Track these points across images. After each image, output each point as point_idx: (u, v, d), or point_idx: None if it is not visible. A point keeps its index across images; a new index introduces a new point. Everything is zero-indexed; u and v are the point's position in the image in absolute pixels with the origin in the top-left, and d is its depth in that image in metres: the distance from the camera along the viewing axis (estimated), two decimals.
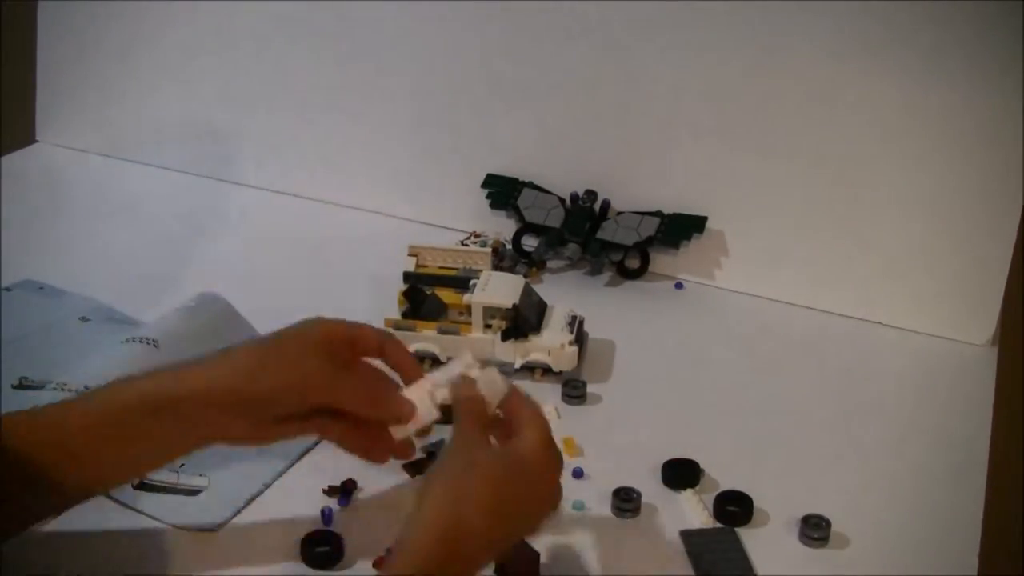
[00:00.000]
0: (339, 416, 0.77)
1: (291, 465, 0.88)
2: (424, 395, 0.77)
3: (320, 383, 0.75)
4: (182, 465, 0.86)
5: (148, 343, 0.94)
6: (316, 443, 0.90)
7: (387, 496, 0.86)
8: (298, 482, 0.87)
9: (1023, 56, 1.01)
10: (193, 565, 0.78)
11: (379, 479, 0.87)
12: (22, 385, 0.93)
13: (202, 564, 0.78)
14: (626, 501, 0.83)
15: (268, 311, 0.99)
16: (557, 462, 0.72)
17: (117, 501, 0.83)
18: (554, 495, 0.72)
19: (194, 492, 0.85)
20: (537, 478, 0.70)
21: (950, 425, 0.96)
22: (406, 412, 0.77)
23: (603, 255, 1.18)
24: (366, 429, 0.78)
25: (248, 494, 0.85)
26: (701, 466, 0.88)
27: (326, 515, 0.82)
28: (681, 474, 0.87)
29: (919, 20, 1.04)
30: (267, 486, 0.86)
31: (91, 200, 1.34)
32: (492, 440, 0.73)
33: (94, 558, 0.78)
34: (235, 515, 0.83)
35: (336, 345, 0.77)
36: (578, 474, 0.88)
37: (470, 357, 0.78)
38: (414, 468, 0.88)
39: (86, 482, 0.73)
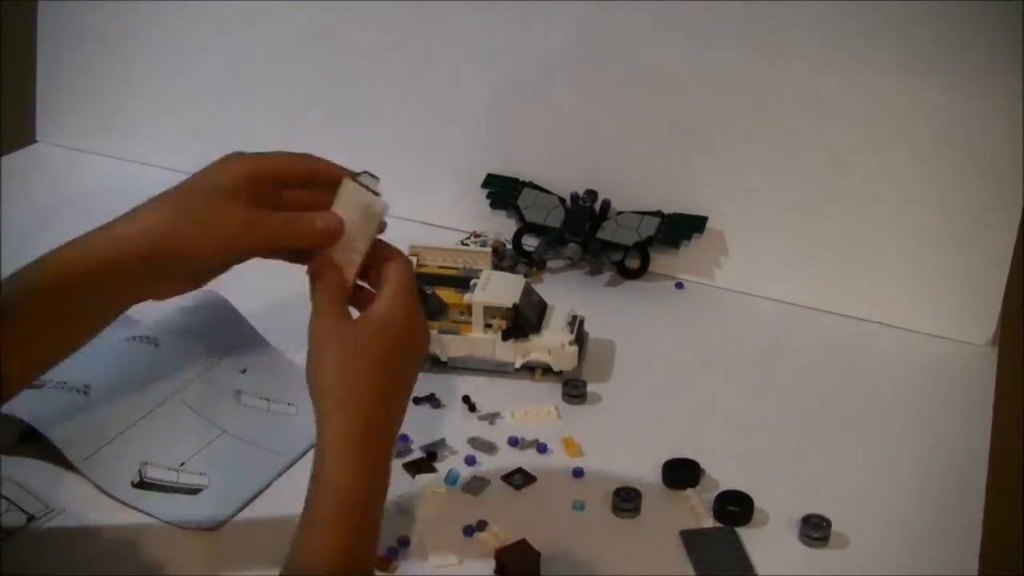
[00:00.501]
0: (270, 255, 0.75)
1: (292, 464, 0.88)
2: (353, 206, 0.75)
3: (238, 231, 0.71)
4: (183, 464, 0.86)
5: (149, 342, 0.95)
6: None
7: (387, 496, 0.85)
8: (299, 482, 0.86)
9: (1023, 56, 1.01)
10: (194, 565, 0.78)
11: None
12: None
13: (203, 564, 0.79)
14: (626, 501, 0.83)
15: (268, 311, 1.00)
16: (415, 310, 0.72)
17: (117, 500, 0.83)
18: (423, 341, 0.74)
19: (194, 491, 0.85)
20: (403, 334, 0.71)
21: (950, 425, 0.96)
22: (332, 226, 0.74)
23: (603, 255, 1.18)
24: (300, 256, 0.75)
25: (248, 493, 0.85)
26: (701, 466, 0.88)
27: None
28: (681, 474, 0.87)
29: (920, 20, 1.04)
30: (267, 485, 0.86)
31: (91, 200, 1.34)
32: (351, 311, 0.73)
33: (94, 558, 0.78)
34: (235, 514, 0.83)
35: (256, 183, 0.72)
36: (578, 473, 0.88)
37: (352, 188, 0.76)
38: (415, 468, 0.88)
39: (25, 363, 0.71)
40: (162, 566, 0.78)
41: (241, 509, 0.84)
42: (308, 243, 0.74)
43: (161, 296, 0.74)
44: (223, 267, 0.73)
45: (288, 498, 0.84)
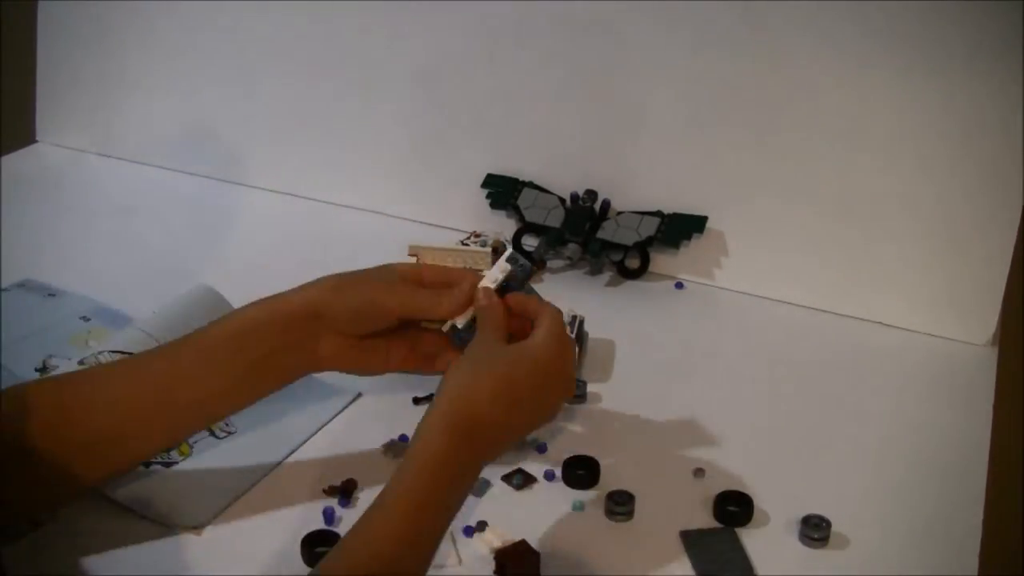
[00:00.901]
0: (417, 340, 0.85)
1: (280, 463, 0.88)
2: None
3: (397, 292, 0.82)
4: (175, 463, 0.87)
5: (147, 336, 0.95)
6: (307, 439, 0.91)
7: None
8: (299, 482, 0.87)
9: (1023, 56, 1.01)
10: (193, 565, 0.78)
11: (380, 479, 0.86)
12: None
13: (202, 564, 0.78)
14: (619, 504, 0.83)
15: None
16: (565, 352, 0.79)
17: (106, 498, 0.83)
18: (565, 382, 0.80)
19: (167, 464, 0.86)
20: (545, 367, 0.76)
21: (950, 425, 0.96)
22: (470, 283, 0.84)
23: (603, 255, 1.18)
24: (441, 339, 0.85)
25: (231, 496, 0.85)
26: (702, 466, 0.88)
27: (327, 515, 0.82)
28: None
29: (919, 20, 1.04)
30: (252, 486, 0.86)
31: (91, 200, 1.34)
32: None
33: (94, 558, 0.78)
34: (219, 513, 0.83)
35: (411, 276, 0.84)
36: None
37: (503, 261, 0.86)
38: None
39: (187, 420, 0.81)
40: (161, 566, 0.78)
41: (226, 508, 0.84)
42: (447, 312, 0.83)
43: (322, 364, 0.83)
44: (378, 323, 0.83)
45: (288, 499, 0.85)
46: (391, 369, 0.86)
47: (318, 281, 0.83)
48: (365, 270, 0.84)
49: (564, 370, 0.79)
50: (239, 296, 1.04)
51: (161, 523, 0.81)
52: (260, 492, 0.86)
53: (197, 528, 0.81)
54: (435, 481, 0.71)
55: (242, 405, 0.82)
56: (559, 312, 0.81)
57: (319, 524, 0.81)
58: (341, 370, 0.85)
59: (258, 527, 0.82)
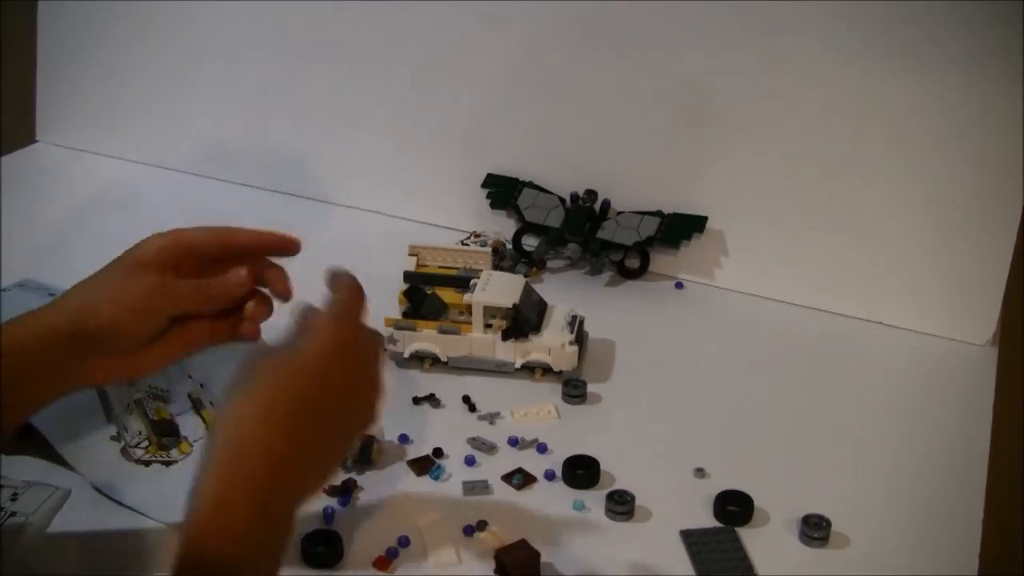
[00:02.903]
0: (198, 320, 0.76)
1: None
2: None
3: (149, 295, 0.73)
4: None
5: None
6: None
7: (387, 496, 0.85)
8: None
9: (1023, 56, 1.01)
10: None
11: (380, 479, 0.87)
12: None
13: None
14: (620, 504, 0.83)
15: None
16: (348, 350, 0.66)
17: (104, 494, 0.83)
18: (361, 383, 0.66)
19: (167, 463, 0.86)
20: (324, 370, 0.64)
21: (950, 425, 0.96)
22: (240, 277, 0.76)
23: (603, 255, 1.18)
24: (228, 317, 0.77)
25: None
26: (702, 466, 0.88)
27: (327, 514, 0.82)
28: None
29: (920, 20, 1.04)
30: None
31: (91, 200, 1.34)
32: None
33: (95, 558, 0.78)
34: None
35: (173, 256, 0.75)
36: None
37: None
38: (417, 467, 0.88)
39: None
40: (161, 566, 0.78)
41: None
42: (218, 303, 0.76)
43: (97, 380, 0.76)
44: (146, 335, 0.74)
45: None
46: (192, 351, 0.77)
47: (77, 290, 0.75)
48: (109, 269, 0.75)
49: (355, 364, 0.66)
50: None
51: (159, 521, 0.81)
52: None
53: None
54: (228, 545, 0.58)
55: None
56: (341, 298, 0.68)
57: (319, 524, 0.81)
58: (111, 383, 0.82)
59: None
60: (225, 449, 0.61)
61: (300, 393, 0.63)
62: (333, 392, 0.64)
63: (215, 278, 0.76)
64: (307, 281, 1.17)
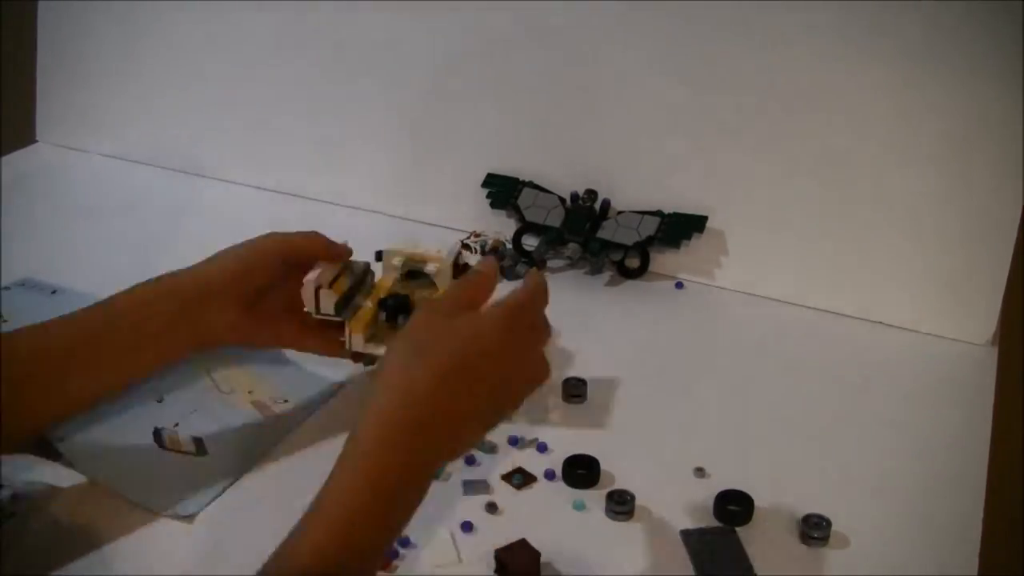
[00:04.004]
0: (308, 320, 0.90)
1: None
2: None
3: (272, 237, 0.91)
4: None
5: None
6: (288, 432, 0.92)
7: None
8: (300, 481, 0.87)
9: (1023, 56, 1.01)
10: (194, 563, 0.78)
11: None
12: None
13: (204, 562, 0.78)
14: (620, 504, 0.83)
15: None
16: (525, 328, 0.71)
17: (103, 488, 0.83)
18: (527, 363, 0.71)
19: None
20: (500, 343, 0.69)
21: (950, 425, 0.96)
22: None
23: (603, 254, 1.18)
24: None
25: (219, 488, 0.85)
26: (702, 465, 0.88)
27: None
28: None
29: (920, 19, 1.04)
30: (234, 481, 0.86)
31: (91, 200, 1.34)
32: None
33: (94, 556, 0.78)
34: (207, 505, 0.83)
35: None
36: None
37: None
38: None
39: (92, 384, 0.83)
40: (162, 564, 0.78)
41: (213, 500, 0.84)
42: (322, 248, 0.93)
43: (217, 339, 0.89)
44: (261, 273, 0.91)
45: (290, 498, 0.85)
46: (284, 344, 0.95)
47: (209, 259, 0.90)
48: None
49: (523, 346, 0.71)
50: None
51: (158, 511, 0.82)
52: (261, 486, 0.86)
53: (187, 517, 0.82)
54: (373, 489, 0.64)
55: (143, 373, 0.87)
56: (527, 289, 0.73)
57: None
58: (234, 343, 0.91)
59: (233, 520, 0.82)
60: (391, 392, 0.66)
61: (467, 361, 0.67)
62: (497, 368, 0.69)
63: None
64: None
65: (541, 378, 0.72)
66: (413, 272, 0.99)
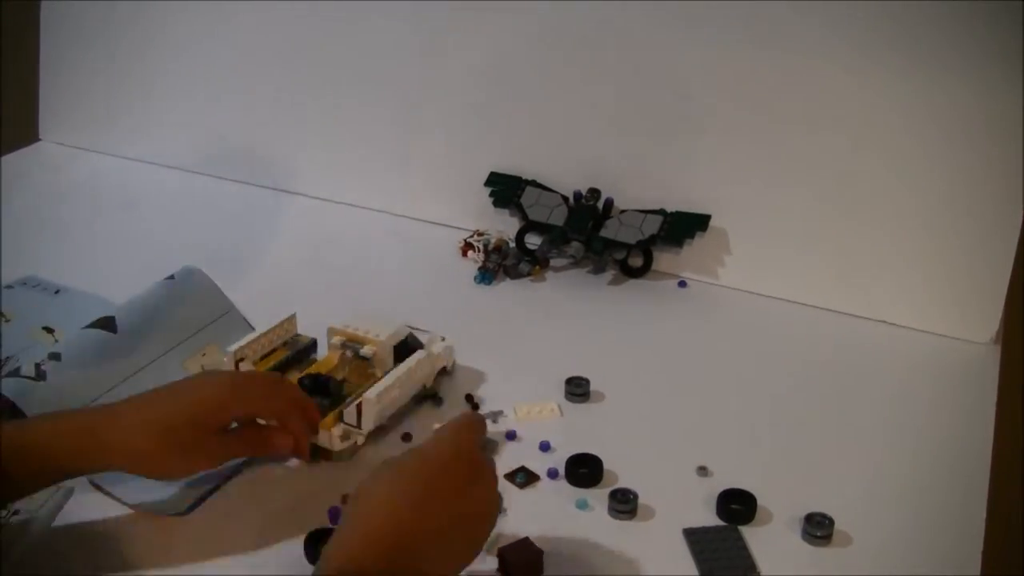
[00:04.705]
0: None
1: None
2: None
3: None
4: None
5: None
6: None
7: None
8: (301, 481, 0.87)
9: (1023, 56, 1.01)
10: (195, 562, 0.78)
11: None
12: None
13: (205, 561, 0.79)
14: (622, 503, 0.83)
15: (269, 309, 1.00)
16: (462, 449, 0.72)
17: (98, 488, 0.83)
18: (479, 479, 0.72)
19: None
20: (448, 461, 0.71)
21: (953, 423, 0.96)
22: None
23: (606, 253, 1.18)
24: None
25: (213, 482, 0.85)
26: (705, 464, 0.88)
27: (332, 514, 0.82)
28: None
29: (921, 20, 1.04)
30: (228, 479, 0.86)
31: (93, 198, 1.35)
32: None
33: (97, 556, 0.79)
34: (202, 499, 0.84)
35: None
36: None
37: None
38: None
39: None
40: (163, 562, 0.78)
41: (208, 495, 0.84)
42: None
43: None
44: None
45: (291, 498, 0.85)
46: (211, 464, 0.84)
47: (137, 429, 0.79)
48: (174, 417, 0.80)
49: (468, 466, 0.71)
50: (240, 294, 1.05)
51: (159, 513, 0.82)
52: (262, 485, 0.86)
53: (181, 514, 0.82)
54: None
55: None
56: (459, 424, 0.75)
57: (322, 523, 0.81)
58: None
59: (261, 525, 0.82)
60: (357, 518, 0.67)
61: (428, 480, 0.69)
62: (456, 483, 0.70)
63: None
64: (309, 277, 1.18)
65: (496, 506, 0.73)
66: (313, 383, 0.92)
